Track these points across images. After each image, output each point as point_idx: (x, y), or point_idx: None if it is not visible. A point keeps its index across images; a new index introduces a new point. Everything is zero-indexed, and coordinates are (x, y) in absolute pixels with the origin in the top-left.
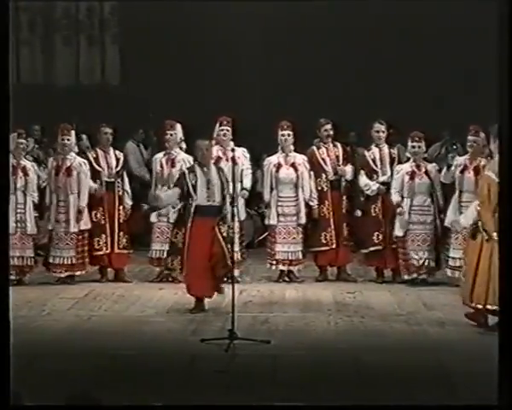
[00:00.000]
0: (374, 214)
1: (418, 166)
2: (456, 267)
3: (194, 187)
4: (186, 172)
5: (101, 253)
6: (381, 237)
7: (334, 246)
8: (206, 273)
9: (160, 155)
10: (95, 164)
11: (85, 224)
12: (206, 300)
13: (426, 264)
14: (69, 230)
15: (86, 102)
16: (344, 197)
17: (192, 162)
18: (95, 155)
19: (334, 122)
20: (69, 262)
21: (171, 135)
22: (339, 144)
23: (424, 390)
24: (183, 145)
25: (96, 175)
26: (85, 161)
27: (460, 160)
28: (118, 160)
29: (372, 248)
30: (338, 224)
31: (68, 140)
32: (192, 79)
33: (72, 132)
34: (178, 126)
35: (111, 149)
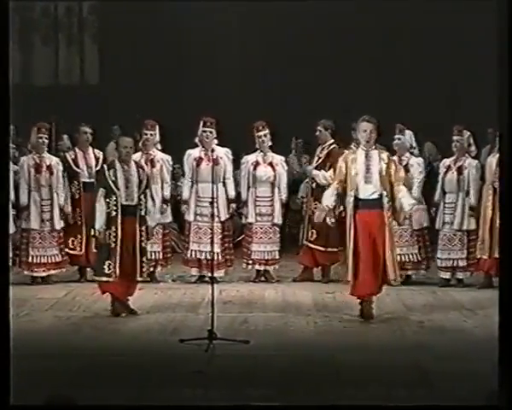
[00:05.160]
0: None
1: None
2: (442, 268)
3: (116, 184)
4: (105, 168)
5: (75, 252)
6: None
7: (300, 244)
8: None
9: (138, 155)
10: (73, 165)
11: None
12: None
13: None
14: (54, 228)
15: (65, 101)
16: (311, 198)
17: (170, 162)
18: (73, 156)
19: (332, 124)
20: (53, 260)
21: (151, 135)
22: (332, 147)
23: (403, 390)
24: (159, 146)
25: (74, 176)
26: (59, 160)
27: (446, 161)
28: (97, 159)
29: None
30: (306, 223)
31: (46, 138)
32: (171, 78)
33: (46, 131)
34: (157, 127)
35: (90, 149)
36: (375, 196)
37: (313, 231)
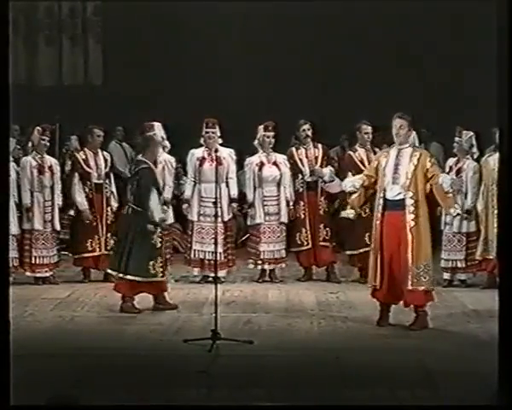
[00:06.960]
0: (364, 215)
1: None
2: (444, 268)
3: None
4: (147, 170)
5: (91, 255)
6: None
7: (309, 246)
8: None
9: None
10: (84, 166)
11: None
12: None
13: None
14: (55, 228)
15: (69, 102)
16: (322, 198)
17: (174, 164)
18: (84, 157)
19: (314, 123)
20: (53, 261)
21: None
22: (320, 146)
23: (406, 390)
24: (167, 144)
25: (85, 177)
26: (57, 161)
27: (450, 161)
28: (106, 160)
29: (362, 250)
30: (313, 224)
31: (49, 140)
32: (175, 78)
33: (49, 133)
34: (156, 127)
35: (99, 150)
36: (400, 196)
37: (327, 229)
